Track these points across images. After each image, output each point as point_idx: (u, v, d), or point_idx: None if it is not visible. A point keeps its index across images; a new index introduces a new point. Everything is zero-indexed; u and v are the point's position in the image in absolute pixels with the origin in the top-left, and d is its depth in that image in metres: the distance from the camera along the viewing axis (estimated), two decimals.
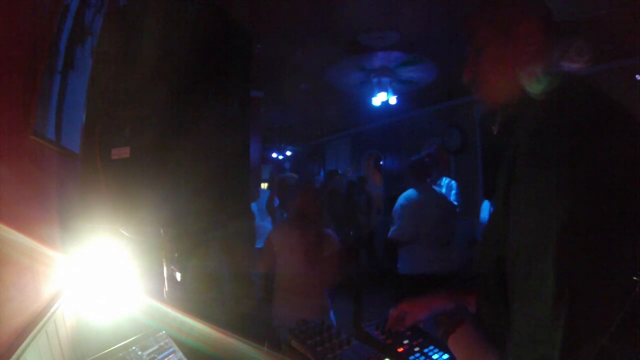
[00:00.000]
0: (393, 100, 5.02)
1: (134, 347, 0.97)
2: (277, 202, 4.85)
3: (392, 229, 3.10)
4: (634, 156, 0.59)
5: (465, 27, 0.82)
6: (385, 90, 4.94)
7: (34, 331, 0.77)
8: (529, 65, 0.73)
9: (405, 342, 1.02)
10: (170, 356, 0.98)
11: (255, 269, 2.33)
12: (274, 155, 11.54)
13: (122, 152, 0.99)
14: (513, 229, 0.62)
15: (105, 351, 0.94)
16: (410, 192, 3.11)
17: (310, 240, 2.07)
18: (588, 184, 0.56)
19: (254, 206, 3.86)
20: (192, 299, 1.31)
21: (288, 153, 11.63)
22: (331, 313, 2.17)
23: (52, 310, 0.89)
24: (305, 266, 2.03)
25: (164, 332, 1.05)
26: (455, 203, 4.06)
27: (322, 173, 10.33)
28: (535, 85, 0.69)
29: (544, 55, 0.73)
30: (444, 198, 3.37)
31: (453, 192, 4.48)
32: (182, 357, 0.99)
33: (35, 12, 0.91)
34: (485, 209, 4.21)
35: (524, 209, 0.61)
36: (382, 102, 5.02)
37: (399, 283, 3.23)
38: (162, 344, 1.01)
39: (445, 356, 0.96)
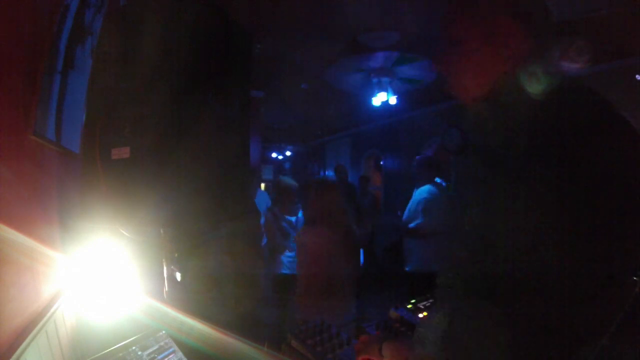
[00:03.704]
0: (393, 100, 5.02)
1: (134, 347, 0.97)
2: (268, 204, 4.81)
3: (416, 221, 3.10)
4: (633, 157, 0.59)
5: (445, 17, 0.81)
6: (385, 90, 4.94)
7: (34, 331, 0.77)
8: (505, 66, 0.72)
9: None
10: (170, 356, 0.98)
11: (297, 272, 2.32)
12: (274, 155, 11.55)
13: (122, 152, 0.99)
14: (511, 230, 0.62)
15: (105, 351, 0.94)
16: (430, 187, 3.14)
17: (342, 238, 2.08)
18: (588, 184, 0.56)
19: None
20: (192, 299, 1.30)
21: (288, 153, 11.64)
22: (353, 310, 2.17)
23: (52, 310, 0.89)
24: (341, 264, 2.04)
25: (164, 332, 1.05)
26: None
27: (322, 173, 10.32)
28: (535, 85, 0.69)
29: (523, 58, 0.72)
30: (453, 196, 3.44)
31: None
32: (182, 357, 0.99)
33: (35, 12, 0.91)
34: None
35: (523, 209, 0.61)
36: (382, 102, 5.02)
37: (408, 281, 3.25)
38: (162, 344, 1.01)
39: None
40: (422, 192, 3.15)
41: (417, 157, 3.40)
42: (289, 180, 3.38)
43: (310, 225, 2.21)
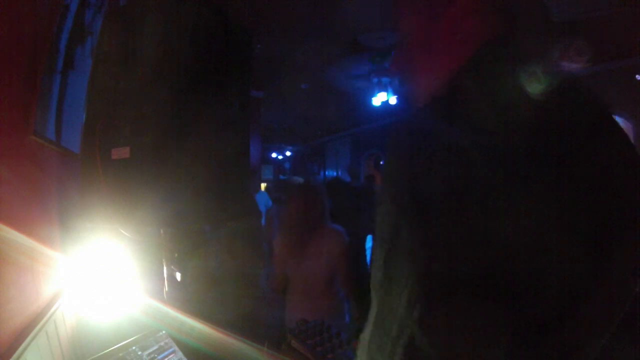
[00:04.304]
0: (393, 100, 5.02)
1: (134, 347, 0.97)
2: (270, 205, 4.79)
3: None
4: (632, 156, 0.59)
5: (393, 13, 0.74)
6: (385, 90, 4.95)
7: (34, 331, 0.77)
8: (456, 53, 0.68)
9: None
10: (170, 356, 0.98)
11: (269, 282, 2.33)
12: (274, 155, 11.56)
13: (122, 152, 0.99)
14: (511, 230, 0.62)
15: (105, 351, 0.94)
16: None
17: (315, 240, 2.05)
18: (589, 184, 0.56)
19: None
20: (192, 299, 1.30)
21: (288, 153, 11.65)
22: (347, 315, 2.11)
23: (52, 310, 0.89)
24: (314, 267, 2.02)
25: (164, 332, 1.06)
26: None
27: (322, 173, 10.33)
28: (535, 85, 0.69)
29: (477, 40, 0.67)
30: None
31: None
32: (182, 357, 0.99)
33: (35, 12, 0.91)
34: None
35: (523, 209, 0.61)
36: (382, 102, 5.03)
37: None
38: (162, 344, 1.01)
39: None
40: None
41: None
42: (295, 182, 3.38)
43: (281, 229, 2.21)
